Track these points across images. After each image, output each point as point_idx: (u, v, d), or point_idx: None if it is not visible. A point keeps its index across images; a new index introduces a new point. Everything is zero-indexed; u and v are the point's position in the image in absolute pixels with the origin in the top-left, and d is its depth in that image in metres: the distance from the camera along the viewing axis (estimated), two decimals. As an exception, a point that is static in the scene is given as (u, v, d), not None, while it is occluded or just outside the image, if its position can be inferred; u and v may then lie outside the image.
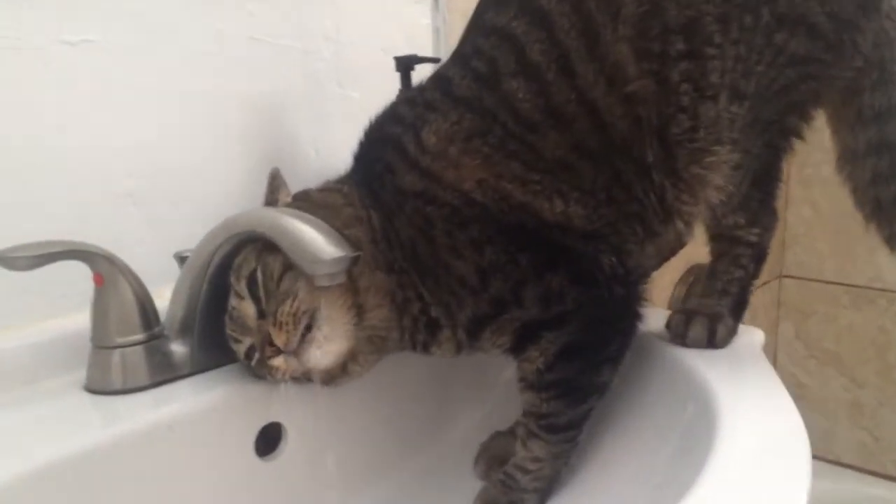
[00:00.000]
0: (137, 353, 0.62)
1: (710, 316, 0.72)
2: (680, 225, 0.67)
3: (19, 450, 0.53)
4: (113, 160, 0.69)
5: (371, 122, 0.68)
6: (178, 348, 0.64)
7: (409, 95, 0.70)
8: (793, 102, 0.68)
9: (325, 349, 0.60)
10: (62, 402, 0.60)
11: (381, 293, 0.63)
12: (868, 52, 0.68)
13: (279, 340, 0.59)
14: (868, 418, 1.88)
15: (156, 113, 0.72)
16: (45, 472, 0.51)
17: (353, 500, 0.72)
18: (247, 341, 0.62)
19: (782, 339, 1.98)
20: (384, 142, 0.66)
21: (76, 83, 0.66)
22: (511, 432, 0.73)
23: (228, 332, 0.63)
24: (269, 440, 0.66)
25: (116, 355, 0.61)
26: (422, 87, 0.68)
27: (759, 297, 1.83)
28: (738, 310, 0.75)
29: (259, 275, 0.61)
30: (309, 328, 0.59)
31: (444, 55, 0.83)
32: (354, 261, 0.58)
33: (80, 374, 0.63)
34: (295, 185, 0.70)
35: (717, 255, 0.76)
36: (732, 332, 0.73)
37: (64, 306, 0.65)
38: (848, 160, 0.75)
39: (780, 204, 0.76)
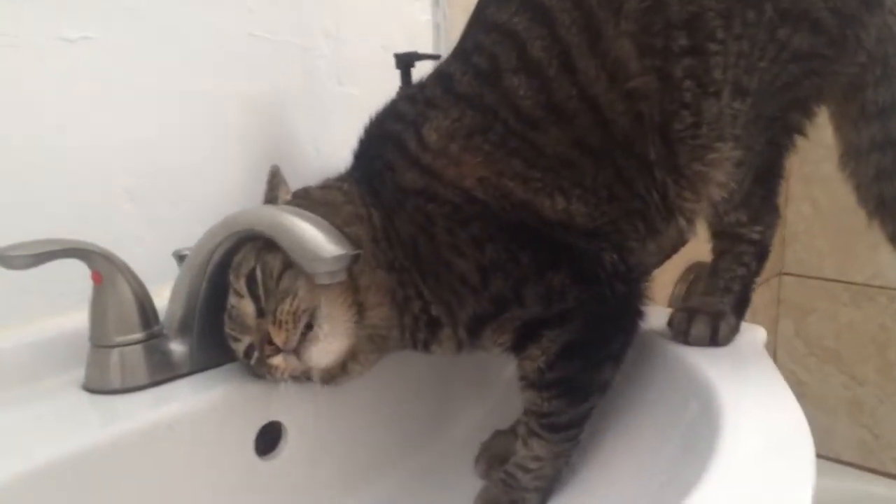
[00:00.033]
0: (136, 352, 0.61)
1: (713, 314, 0.72)
2: (682, 222, 0.66)
3: (17, 449, 0.52)
4: (111, 158, 0.69)
5: (371, 120, 0.68)
6: (177, 347, 0.64)
7: (410, 92, 0.70)
8: (796, 98, 0.68)
9: (325, 348, 0.60)
10: (60, 402, 0.60)
11: (382, 292, 0.63)
12: (871, 47, 0.67)
13: (278, 339, 0.59)
14: (868, 416, 1.88)
15: (154, 110, 0.72)
16: (43, 471, 0.51)
17: (354, 499, 0.72)
18: (246, 340, 0.61)
19: (782, 337, 1.98)
20: (384, 139, 0.65)
21: (75, 81, 0.66)
22: (512, 431, 0.72)
23: (227, 330, 0.62)
24: (268, 439, 0.66)
25: (115, 354, 0.61)
26: (422, 84, 0.68)
27: (759, 295, 1.82)
28: (740, 307, 0.74)
29: (258, 273, 0.60)
30: (309, 327, 0.59)
31: (445, 52, 0.83)
32: (355, 259, 0.58)
33: (79, 374, 0.62)
34: (295, 182, 0.69)
35: (719, 253, 0.76)
36: (735, 330, 0.72)
37: (62, 305, 0.65)
38: (851, 157, 0.74)
39: (780, 201, 0.75)
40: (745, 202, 0.71)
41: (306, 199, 0.65)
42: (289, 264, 0.59)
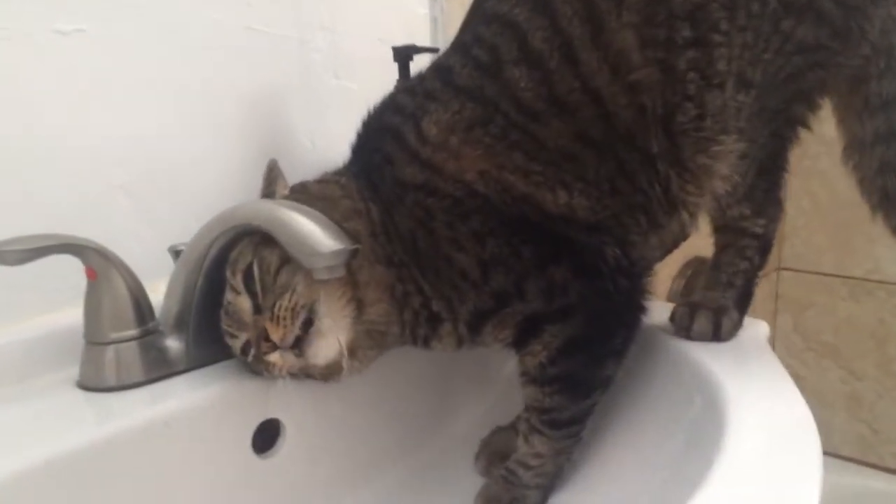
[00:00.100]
0: (131, 349, 0.61)
1: (715, 309, 0.71)
2: (685, 216, 0.66)
3: (12, 448, 0.52)
4: (106, 152, 0.68)
5: (369, 113, 0.67)
6: (173, 344, 0.63)
7: (409, 85, 0.69)
8: (800, 91, 0.68)
9: (324, 344, 0.59)
10: (55, 399, 0.59)
11: (381, 287, 0.62)
12: (875, 39, 0.67)
13: (275, 336, 0.58)
14: (866, 411, 1.88)
15: (150, 104, 0.71)
16: (38, 470, 0.50)
17: (353, 496, 0.71)
18: (243, 337, 0.61)
19: (780, 332, 1.98)
20: (383, 132, 0.65)
21: (69, 74, 0.65)
22: (513, 427, 0.72)
23: (224, 327, 0.62)
24: (266, 437, 0.66)
25: (110, 351, 0.60)
26: (422, 77, 0.67)
27: (757, 290, 1.81)
28: (742, 302, 0.74)
29: (255, 269, 0.60)
30: (307, 323, 0.58)
31: (442, 45, 0.82)
32: (353, 254, 0.57)
33: (73, 371, 0.62)
34: (292, 177, 0.69)
35: (721, 247, 0.75)
36: (738, 325, 0.72)
37: (56, 301, 0.64)
38: (855, 149, 0.74)
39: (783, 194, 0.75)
40: (748, 195, 0.70)
41: (304, 194, 0.64)
42: (286, 260, 0.59)
